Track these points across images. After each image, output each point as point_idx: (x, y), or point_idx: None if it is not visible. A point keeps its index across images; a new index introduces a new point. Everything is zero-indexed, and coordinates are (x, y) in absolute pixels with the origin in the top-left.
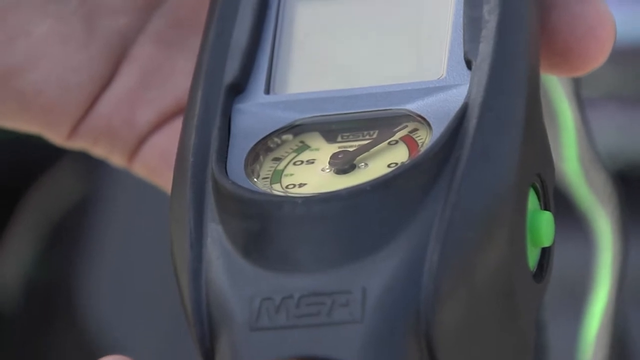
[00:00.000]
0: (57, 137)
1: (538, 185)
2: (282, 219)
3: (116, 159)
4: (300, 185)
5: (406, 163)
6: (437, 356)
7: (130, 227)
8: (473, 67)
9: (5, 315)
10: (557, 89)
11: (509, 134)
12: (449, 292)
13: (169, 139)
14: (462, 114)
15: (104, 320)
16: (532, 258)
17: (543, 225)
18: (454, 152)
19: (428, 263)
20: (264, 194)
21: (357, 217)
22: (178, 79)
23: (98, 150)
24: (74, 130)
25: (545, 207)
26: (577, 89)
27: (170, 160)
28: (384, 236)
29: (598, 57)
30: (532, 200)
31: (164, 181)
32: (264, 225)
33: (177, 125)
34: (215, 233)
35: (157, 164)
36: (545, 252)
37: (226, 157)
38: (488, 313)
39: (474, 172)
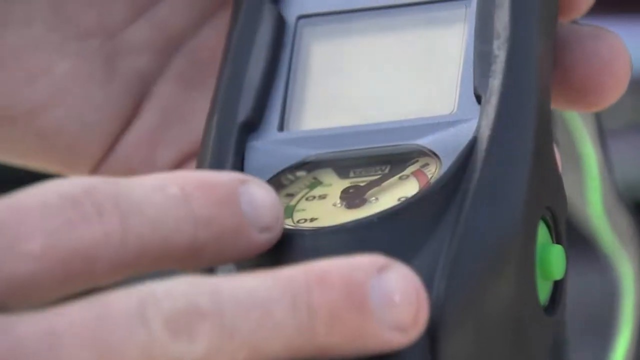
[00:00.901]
0: (77, 174)
1: (549, 219)
2: (292, 251)
3: None
4: (312, 219)
5: (413, 196)
6: None
7: None
8: (482, 101)
9: None
10: (581, 132)
11: (516, 168)
12: (455, 324)
13: None
14: (471, 148)
15: None
16: (544, 291)
17: (553, 259)
18: (462, 186)
19: (435, 295)
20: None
21: (363, 249)
22: (198, 119)
23: None
24: (94, 170)
25: (557, 240)
26: (601, 132)
27: None
28: None
29: (614, 92)
30: (543, 234)
31: None
32: (274, 257)
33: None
34: (228, 268)
35: None
36: (558, 285)
37: None
38: (496, 347)
39: (482, 206)
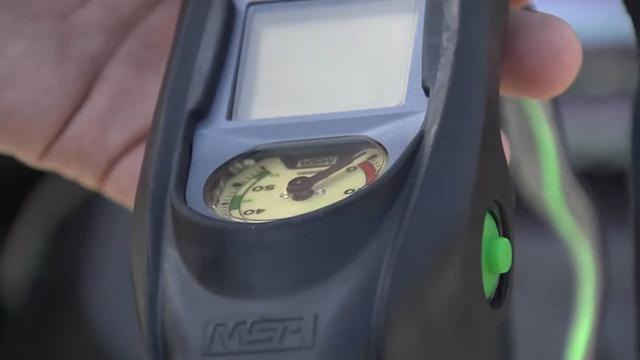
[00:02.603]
0: (28, 157)
1: (496, 212)
2: (235, 246)
3: (87, 181)
4: (259, 211)
5: (359, 190)
6: None
7: None
8: (430, 94)
9: (12, 314)
10: (538, 115)
11: (463, 161)
12: (400, 319)
13: (139, 161)
14: (418, 142)
15: (110, 317)
16: (489, 284)
17: (500, 252)
18: (408, 180)
19: (379, 290)
20: (219, 220)
21: (309, 244)
22: (149, 101)
23: (69, 172)
24: (46, 151)
25: (504, 233)
26: (558, 114)
27: None
28: (336, 263)
29: (564, 80)
30: (490, 226)
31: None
32: (218, 251)
33: None
34: (172, 259)
35: (128, 186)
36: (504, 279)
37: (186, 183)
38: (442, 340)
39: (427, 200)
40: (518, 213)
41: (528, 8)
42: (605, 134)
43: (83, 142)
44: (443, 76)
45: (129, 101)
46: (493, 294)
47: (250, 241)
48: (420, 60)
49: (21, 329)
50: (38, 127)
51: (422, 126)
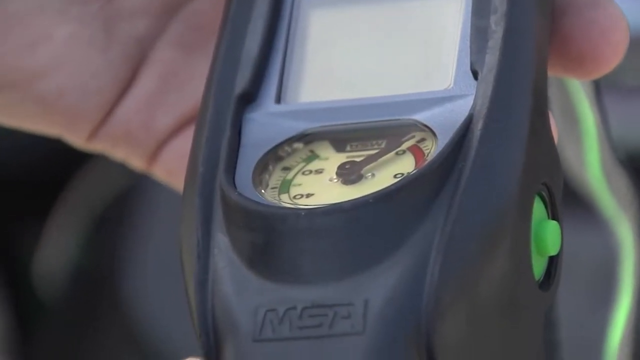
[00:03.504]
0: (77, 140)
1: (545, 194)
2: (285, 232)
3: (135, 163)
4: (308, 195)
5: (408, 175)
6: (437, 358)
7: (174, 215)
8: (479, 78)
9: (49, 304)
10: (579, 95)
11: (512, 145)
12: (450, 304)
13: (188, 143)
14: (467, 126)
15: (148, 308)
16: (539, 267)
17: (549, 235)
18: (457, 164)
19: (429, 275)
20: (269, 206)
21: (359, 230)
22: (197, 83)
23: (118, 154)
24: (94, 133)
25: (553, 215)
26: (599, 94)
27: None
28: (385, 248)
29: (612, 60)
30: (539, 209)
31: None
32: (268, 237)
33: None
34: (222, 244)
35: (176, 168)
36: (553, 261)
37: (235, 167)
38: (492, 324)
39: (476, 185)
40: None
41: None
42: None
43: (131, 125)
44: (491, 59)
45: (176, 83)
46: (542, 277)
47: (300, 227)
48: (469, 44)
49: (58, 319)
50: (86, 110)
51: (470, 110)
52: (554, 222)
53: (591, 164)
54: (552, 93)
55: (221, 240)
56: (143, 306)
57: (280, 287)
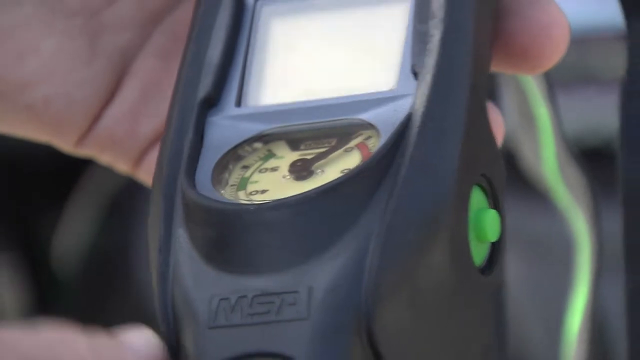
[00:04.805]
0: (65, 146)
1: (485, 185)
2: (237, 226)
3: (121, 167)
4: (263, 191)
5: (349, 171)
6: (380, 350)
7: None
8: (418, 78)
9: (65, 282)
10: (534, 94)
11: (448, 140)
12: (389, 290)
13: None
14: (406, 123)
15: None
16: (480, 253)
17: (488, 223)
18: (396, 160)
19: (369, 263)
20: (222, 202)
21: (303, 223)
22: None
23: (104, 159)
24: (81, 140)
25: (495, 205)
26: (552, 93)
27: None
28: (328, 239)
29: (554, 55)
30: (478, 199)
31: None
32: (221, 232)
33: None
34: (182, 239)
35: None
36: (495, 247)
37: (196, 168)
38: (432, 309)
39: (414, 177)
40: (519, 186)
41: None
42: (606, 116)
43: (116, 132)
44: (429, 61)
45: (158, 92)
46: (485, 262)
47: (250, 221)
48: (410, 47)
49: (73, 296)
50: (72, 118)
51: (410, 108)
52: (493, 211)
53: (547, 159)
54: (510, 94)
55: (181, 236)
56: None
57: (232, 278)
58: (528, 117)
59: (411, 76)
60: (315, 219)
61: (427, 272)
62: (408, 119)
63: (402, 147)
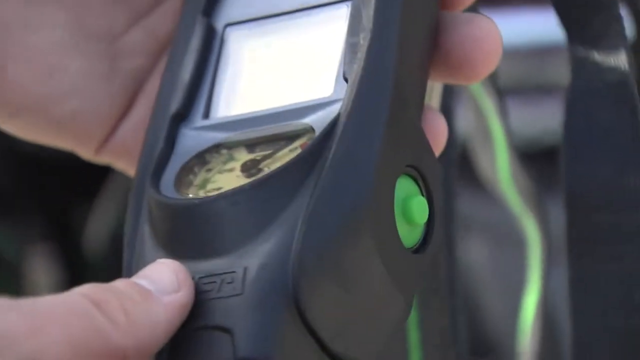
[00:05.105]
0: (85, 154)
1: (415, 175)
2: (185, 218)
3: (133, 172)
4: (218, 189)
5: (279, 165)
6: (313, 325)
7: None
8: (348, 84)
9: (93, 264)
10: (490, 111)
11: (369, 136)
12: (312, 269)
13: None
14: (334, 123)
15: None
16: (412, 236)
17: (414, 208)
18: (324, 154)
19: (295, 245)
20: (174, 198)
21: (239, 211)
22: None
23: (119, 165)
24: (99, 149)
25: (427, 192)
26: (505, 110)
27: None
28: (261, 224)
29: (486, 67)
30: (407, 187)
31: None
32: (174, 224)
33: None
34: (145, 232)
35: None
36: (428, 228)
37: (162, 172)
38: (362, 286)
39: (336, 170)
40: (478, 190)
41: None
42: (546, 121)
43: (129, 143)
44: (357, 68)
45: None
46: (419, 243)
47: (196, 213)
48: (343, 55)
49: (100, 276)
50: (93, 130)
51: (339, 110)
52: (420, 197)
53: (501, 168)
54: (468, 112)
55: (145, 229)
56: None
57: (183, 262)
58: (484, 132)
59: (342, 83)
60: (250, 207)
61: (352, 254)
62: (336, 118)
63: (329, 143)
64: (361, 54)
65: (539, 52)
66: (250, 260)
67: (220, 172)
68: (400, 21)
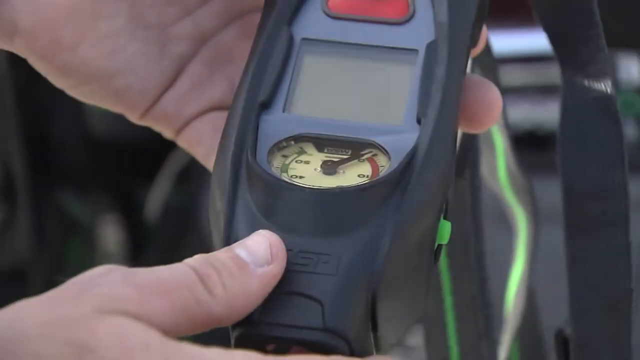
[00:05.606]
0: (132, 118)
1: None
2: (293, 198)
3: (167, 135)
4: (300, 177)
5: (375, 179)
6: (377, 303)
7: None
8: (422, 122)
9: (153, 232)
10: (494, 127)
11: (440, 171)
12: (391, 267)
13: (203, 125)
14: (413, 153)
15: None
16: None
17: (445, 231)
18: (406, 177)
19: (382, 245)
20: (283, 180)
21: (340, 207)
22: (214, 90)
23: (157, 128)
24: (143, 115)
25: (445, 216)
26: (508, 125)
27: (204, 140)
28: (355, 222)
29: (492, 122)
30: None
31: (198, 151)
32: (280, 199)
33: (209, 118)
34: (246, 198)
35: (194, 140)
36: (439, 247)
37: (256, 149)
38: (408, 278)
39: (416, 192)
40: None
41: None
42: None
43: (168, 111)
44: (432, 113)
45: (201, 89)
46: (435, 255)
47: (304, 197)
48: (416, 97)
49: (157, 243)
50: (141, 99)
51: (415, 143)
52: (448, 222)
53: (499, 173)
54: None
55: (245, 196)
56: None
57: (282, 234)
58: (488, 142)
59: (414, 119)
60: (349, 206)
61: (413, 257)
62: (415, 150)
63: (409, 170)
64: (434, 102)
65: (541, 60)
66: (345, 249)
67: (297, 161)
68: (461, 80)
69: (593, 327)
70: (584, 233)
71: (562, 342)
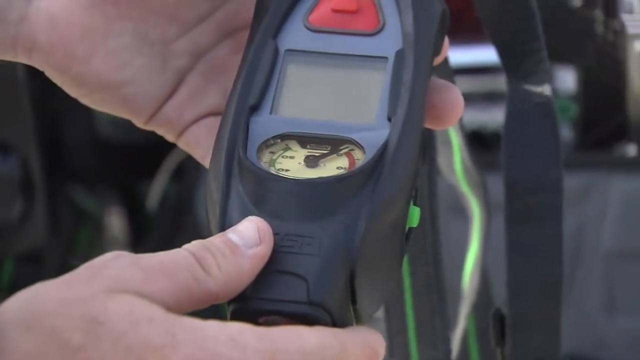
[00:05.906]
0: (138, 122)
1: (414, 190)
2: (280, 189)
3: (170, 137)
4: (286, 170)
5: (352, 170)
6: (355, 282)
7: None
8: (392, 120)
9: (153, 221)
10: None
11: (409, 163)
12: (369, 244)
13: (200, 129)
14: (384, 148)
15: None
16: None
17: (415, 215)
18: (379, 168)
19: (359, 227)
20: (270, 172)
21: (321, 196)
22: (209, 98)
23: (161, 132)
24: (148, 120)
25: (414, 202)
26: (462, 125)
27: (201, 142)
28: (336, 207)
29: (455, 120)
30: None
31: (197, 152)
32: (268, 189)
33: (206, 122)
34: (238, 189)
35: (193, 143)
36: (410, 230)
37: (247, 147)
38: (383, 257)
39: (388, 180)
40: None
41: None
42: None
43: (170, 117)
44: (400, 112)
45: (199, 98)
46: (406, 237)
47: (290, 187)
48: (387, 98)
49: (156, 231)
50: (146, 107)
51: (386, 138)
52: (417, 207)
53: (456, 168)
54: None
55: (237, 187)
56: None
57: (270, 220)
58: (446, 141)
59: (385, 118)
60: (329, 194)
61: (386, 238)
62: (385, 145)
63: (381, 162)
64: (402, 103)
65: (485, 72)
66: (326, 232)
67: (283, 157)
68: (426, 83)
69: (527, 307)
70: (522, 223)
71: (499, 319)
